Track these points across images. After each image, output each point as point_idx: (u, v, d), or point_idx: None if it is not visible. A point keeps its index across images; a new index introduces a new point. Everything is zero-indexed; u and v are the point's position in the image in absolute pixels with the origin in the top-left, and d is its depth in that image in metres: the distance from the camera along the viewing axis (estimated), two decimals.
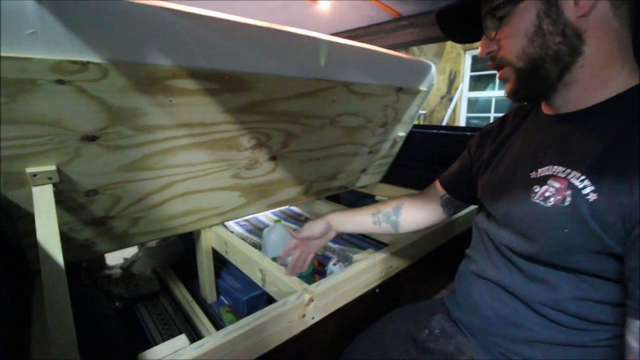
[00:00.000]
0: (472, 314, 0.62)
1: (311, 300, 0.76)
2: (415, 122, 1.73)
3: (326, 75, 1.06)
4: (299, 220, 2.16)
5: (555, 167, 0.50)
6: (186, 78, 0.79)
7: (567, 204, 0.46)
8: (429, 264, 1.14)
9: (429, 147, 1.71)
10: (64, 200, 0.81)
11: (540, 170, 0.52)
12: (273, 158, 1.17)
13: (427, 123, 3.80)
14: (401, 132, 1.63)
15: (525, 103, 0.67)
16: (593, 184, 0.45)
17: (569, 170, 0.48)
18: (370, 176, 1.77)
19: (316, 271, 1.48)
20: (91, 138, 0.75)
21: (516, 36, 0.50)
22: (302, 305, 0.74)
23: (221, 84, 0.86)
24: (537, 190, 0.51)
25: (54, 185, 0.74)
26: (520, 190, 0.54)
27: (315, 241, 0.87)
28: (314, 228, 0.85)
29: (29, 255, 0.84)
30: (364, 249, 0.99)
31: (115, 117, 0.75)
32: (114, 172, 0.83)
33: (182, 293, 1.31)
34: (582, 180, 0.46)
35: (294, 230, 1.09)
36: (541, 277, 0.52)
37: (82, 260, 1.33)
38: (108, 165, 0.81)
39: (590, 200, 0.44)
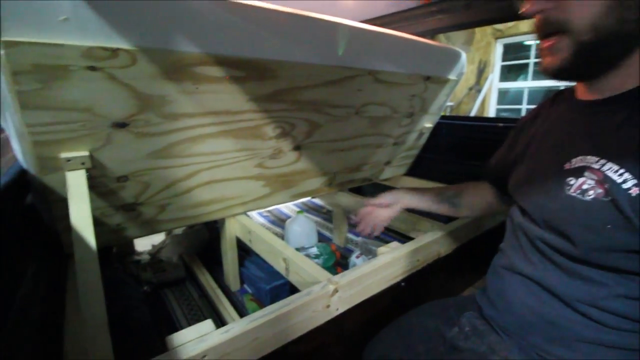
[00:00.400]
0: (506, 312, 0.58)
1: (336, 291, 0.74)
2: (442, 114, 1.66)
3: (352, 63, 1.03)
4: (321, 212, 2.16)
5: (589, 157, 0.46)
6: (212, 65, 0.79)
7: (605, 198, 0.42)
8: (458, 259, 1.09)
9: (456, 139, 1.64)
10: (96, 185, 0.83)
11: (574, 160, 0.48)
12: (297, 148, 1.16)
13: (454, 114, 3.67)
14: (428, 123, 1.58)
15: (562, 88, 0.62)
16: (635, 177, 0.40)
17: (603, 161, 0.44)
18: (395, 168, 1.73)
19: (338, 263, 1.46)
20: (121, 125, 0.76)
21: (589, 2, 0.41)
22: (327, 296, 0.73)
23: (246, 72, 0.85)
24: (572, 182, 0.47)
25: (87, 170, 0.77)
26: (554, 182, 0.50)
27: (383, 211, 0.91)
28: (384, 197, 0.92)
29: (63, 238, 0.87)
30: (386, 242, 0.96)
31: (144, 105, 0.76)
32: (143, 159, 0.85)
33: (207, 280, 1.33)
34: (620, 174, 0.41)
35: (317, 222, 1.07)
36: (581, 274, 0.48)
37: (113, 245, 1.38)
38: (137, 152, 0.83)
39: (632, 195, 0.40)
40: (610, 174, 0.43)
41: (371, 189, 2.04)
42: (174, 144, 0.87)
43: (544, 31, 0.47)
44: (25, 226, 0.78)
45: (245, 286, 1.33)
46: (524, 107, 3.23)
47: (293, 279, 0.92)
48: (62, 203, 0.80)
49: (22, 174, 0.77)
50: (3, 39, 0.56)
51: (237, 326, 0.62)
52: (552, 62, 0.47)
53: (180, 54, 0.73)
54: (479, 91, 3.22)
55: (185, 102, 0.81)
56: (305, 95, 1.01)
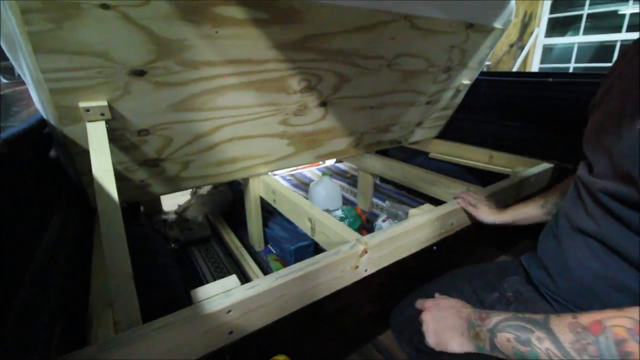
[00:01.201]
0: (561, 276, 0.52)
1: (365, 251, 0.70)
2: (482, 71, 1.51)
3: (387, 7, 0.91)
4: (345, 177, 2.11)
5: None
6: (232, 5, 0.71)
7: None
8: (495, 225, 1.02)
9: (498, 97, 1.49)
10: (117, 138, 0.80)
11: None
12: (323, 104, 1.08)
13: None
14: (466, 80, 1.44)
15: None
16: None
17: None
18: (426, 130, 1.62)
19: (364, 227, 1.43)
20: (139, 73, 0.72)
21: None
22: (356, 256, 0.69)
23: (270, 14, 0.77)
24: (637, 118, 0.41)
25: (107, 122, 0.74)
26: (626, 121, 0.44)
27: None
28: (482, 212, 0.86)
29: (89, 192, 0.87)
30: (414, 207, 0.90)
31: (162, 50, 0.71)
32: (163, 112, 0.81)
33: (231, 239, 1.34)
34: None
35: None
36: None
37: (139, 201, 1.40)
38: (157, 103, 0.79)
39: None
40: None
41: (398, 152, 1.95)
42: (195, 95, 0.82)
43: None
44: (50, 179, 0.77)
45: (270, 246, 1.32)
46: (572, 65, 2.90)
47: (319, 238, 0.88)
48: (85, 155, 0.78)
49: (42, 123, 0.75)
50: None
51: (263, 282, 0.59)
52: None
53: None
54: (522, 48, 2.91)
55: (205, 49, 0.75)
56: (334, 43, 0.92)
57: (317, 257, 0.66)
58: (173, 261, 1.00)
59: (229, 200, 1.55)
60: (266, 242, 1.34)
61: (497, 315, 0.45)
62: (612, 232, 0.46)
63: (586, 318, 0.38)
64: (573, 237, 0.51)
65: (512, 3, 1.27)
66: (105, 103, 0.72)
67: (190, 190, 1.58)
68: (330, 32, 0.88)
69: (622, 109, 0.46)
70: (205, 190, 1.54)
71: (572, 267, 0.50)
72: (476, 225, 0.96)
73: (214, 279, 1.14)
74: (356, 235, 0.75)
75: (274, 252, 1.29)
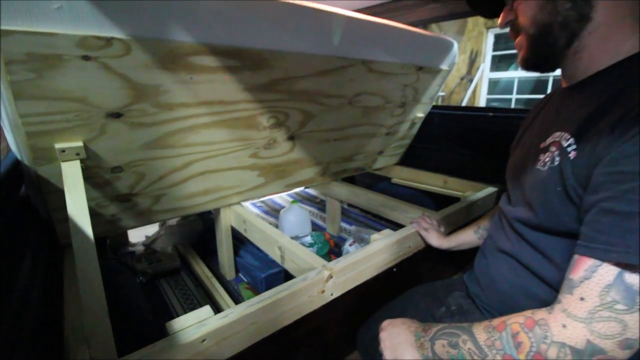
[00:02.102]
0: (488, 288, 0.62)
1: (330, 276, 0.77)
2: (434, 104, 1.68)
3: (346, 53, 1.03)
4: (314, 202, 2.18)
5: (557, 132, 0.51)
6: (207, 55, 0.79)
7: (556, 163, 0.48)
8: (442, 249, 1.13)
9: (448, 128, 1.66)
10: (91, 176, 0.83)
11: (549, 138, 0.52)
12: (291, 138, 1.17)
13: (445, 104, 3.69)
14: (420, 113, 1.60)
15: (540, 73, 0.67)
16: (576, 142, 0.46)
17: (561, 133, 0.49)
18: (388, 158, 1.75)
19: (332, 251, 1.49)
20: (116, 115, 0.76)
21: (530, 3, 0.50)
22: (322, 281, 0.75)
23: (241, 61, 0.85)
24: (541, 157, 0.52)
25: (82, 161, 0.77)
26: (532, 161, 0.55)
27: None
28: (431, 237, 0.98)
29: (58, 230, 0.87)
30: (379, 230, 0.99)
31: (138, 94, 0.76)
32: (137, 150, 0.85)
33: (202, 269, 1.35)
34: (568, 140, 0.47)
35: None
36: (544, 250, 0.53)
37: (108, 235, 1.39)
38: (132, 142, 0.83)
39: (571, 157, 0.46)
40: (562, 141, 0.49)
41: (364, 178, 2.08)
42: (169, 134, 0.87)
43: (514, 35, 0.56)
44: (21, 218, 0.78)
45: (241, 275, 1.35)
46: (514, 97, 3.26)
47: (288, 266, 0.94)
48: (57, 194, 0.80)
49: (17, 164, 0.76)
50: None
51: (235, 311, 0.64)
52: (520, 55, 0.55)
53: (175, 43, 0.73)
54: (471, 81, 3.24)
55: (180, 92, 0.81)
56: (299, 85, 1.02)
57: (286, 284, 0.72)
58: (142, 295, 1.00)
59: (199, 230, 1.56)
60: (237, 271, 1.36)
61: (436, 327, 0.54)
62: (522, 251, 0.56)
63: (496, 321, 0.47)
64: (496, 256, 0.62)
65: (456, 47, 1.46)
66: (80, 144, 0.75)
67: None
68: (295, 76, 0.98)
69: (530, 152, 0.58)
70: (174, 220, 1.55)
71: (496, 281, 0.60)
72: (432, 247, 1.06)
73: (185, 311, 1.14)
74: (322, 261, 0.82)
75: (245, 280, 1.31)
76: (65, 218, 0.83)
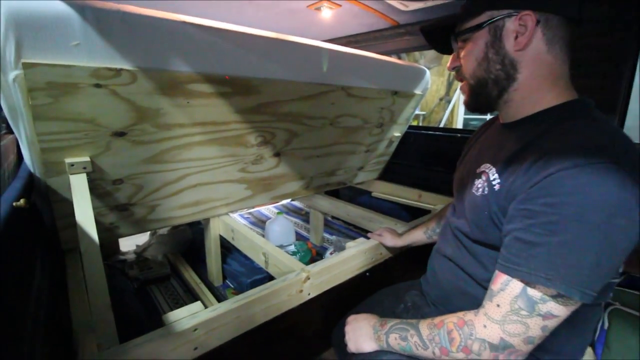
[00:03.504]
0: (435, 287, 0.74)
1: (308, 278, 0.87)
2: (415, 123, 1.83)
3: (327, 80, 1.17)
4: (300, 214, 2.28)
5: (487, 164, 0.62)
6: (203, 82, 0.90)
7: (486, 192, 0.59)
8: (415, 253, 1.24)
9: (423, 147, 1.81)
10: (93, 187, 0.92)
11: (481, 167, 0.63)
12: (277, 154, 1.28)
13: (426, 124, 3.89)
14: (397, 133, 1.74)
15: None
16: (499, 177, 0.57)
17: (490, 166, 0.60)
18: (367, 173, 1.88)
19: (314, 260, 1.59)
20: (120, 134, 0.86)
21: (470, 59, 0.61)
22: (300, 282, 0.86)
23: (233, 88, 0.97)
24: (475, 182, 0.63)
25: (87, 174, 0.86)
26: (469, 183, 0.67)
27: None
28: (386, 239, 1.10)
29: (61, 236, 0.95)
30: (356, 239, 1.10)
31: (141, 116, 0.87)
32: (137, 164, 0.95)
33: (191, 276, 1.43)
34: (494, 175, 0.58)
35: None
36: (477, 255, 0.64)
37: (103, 243, 1.45)
38: (133, 157, 0.93)
39: (496, 189, 0.57)
40: (490, 174, 0.59)
41: (347, 191, 2.20)
42: (166, 150, 0.98)
43: (459, 79, 0.67)
44: (32, 224, 0.86)
45: (228, 281, 1.43)
46: (489, 116, 3.48)
47: (272, 270, 1.04)
48: (63, 203, 0.89)
49: (30, 177, 0.85)
50: (23, 60, 0.66)
51: (222, 306, 0.73)
52: (464, 99, 0.66)
53: (175, 73, 0.84)
54: (449, 102, 3.46)
55: (177, 114, 0.92)
56: (285, 108, 1.14)
57: (268, 284, 0.82)
58: (135, 298, 1.08)
59: (188, 239, 1.64)
60: (224, 278, 1.44)
61: (390, 322, 0.65)
62: (461, 256, 0.68)
63: (437, 319, 0.59)
64: (441, 260, 0.73)
65: (428, 74, 1.62)
66: (88, 159, 0.85)
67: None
68: (281, 100, 1.11)
69: (469, 174, 0.69)
70: (165, 230, 1.62)
71: (440, 281, 0.72)
72: (405, 253, 1.17)
73: None
74: (301, 265, 0.92)
75: (232, 286, 1.40)
76: (69, 225, 0.93)
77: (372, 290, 1.00)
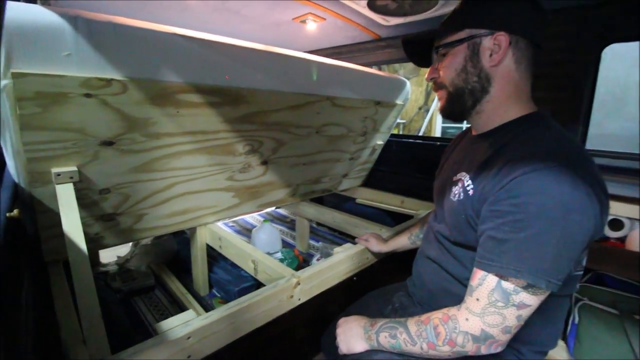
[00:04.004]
0: (421, 288, 0.78)
1: (298, 283, 0.89)
2: (395, 131, 1.90)
3: (313, 91, 1.20)
4: (285, 222, 2.29)
5: (463, 172, 0.68)
6: (192, 93, 0.92)
7: (462, 197, 0.65)
8: (400, 256, 1.29)
9: (404, 154, 1.88)
10: (79, 197, 0.90)
11: (457, 175, 0.69)
12: (264, 163, 1.30)
13: (406, 132, 4.02)
14: (379, 141, 1.80)
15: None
16: (473, 183, 0.63)
17: (465, 174, 0.66)
18: (352, 180, 1.92)
19: (300, 266, 1.61)
20: (109, 143, 0.86)
21: (450, 69, 0.67)
22: (290, 288, 0.87)
23: (222, 98, 0.99)
24: (453, 189, 0.69)
25: (74, 183, 0.85)
26: (447, 190, 0.72)
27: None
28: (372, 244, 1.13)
29: (44, 247, 0.93)
30: (342, 244, 1.13)
31: (130, 125, 0.87)
32: (125, 173, 0.94)
33: (176, 286, 1.41)
34: (468, 181, 0.64)
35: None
36: (457, 256, 0.69)
37: (89, 253, 1.41)
38: (121, 166, 0.92)
39: (470, 194, 0.63)
40: (465, 181, 0.65)
41: (331, 198, 2.23)
42: (155, 159, 0.98)
43: (436, 88, 0.73)
44: (16, 236, 0.84)
45: (214, 290, 1.42)
46: (465, 125, 3.64)
47: (261, 277, 1.05)
48: (48, 214, 0.87)
49: (15, 187, 0.83)
50: (12, 70, 0.66)
51: (215, 313, 0.74)
52: (441, 106, 0.72)
53: (165, 83, 0.86)
54: (427, 111, 3.59)
55: (167, 124, 0.93)
56: (272, 118, 1.16)
57: (259, 290, 0.83)
58: (121, 309, 1.06)
59: (172, 249, 1.62)
60: (211, 287, 1.43)
61: (380, 322, 0.69)
62: (443, 258, 0.73)
63: (424, 316, 0.63)
64: (425, 262, 0.78)
65: (408, 85, 1.69)
66: (75, 168, 0.84)
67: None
68: (269, 109, 1.13)
69: (447, 182, 0.74)
70: (148, 240, 1.60)
71: (425, 281, 0.76)
72: (390, 257, 1.21)
73: None
74: (291, 271, 0.94)
75: (219, 295, 1.39)
76: (53, 236, 0.91)
77: (360, 294, 1.02)
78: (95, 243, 1.04)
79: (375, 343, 0.68)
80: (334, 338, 0.91)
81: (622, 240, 1.06)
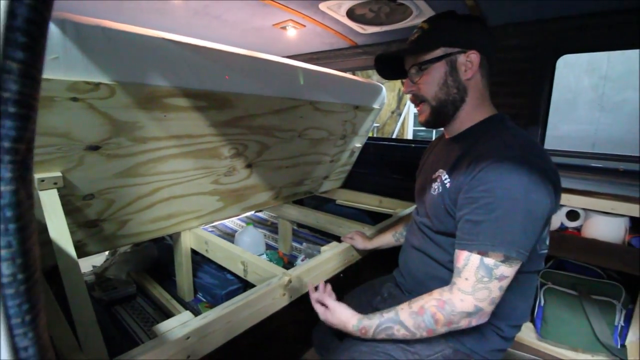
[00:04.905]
0: (407, 277, 0.84)
1: (290, 281, 0.92)
2: (370, 135, 1.98)
3: (296, 95, 1.24)
4: (266, 225, 2.30)
5: (440, 169, 0.76)
6: (180, 97, 0.92)
7: (440, 190, 0.74)
8: (383, 253, 1.35)
9: (381, 156, 1.96)
10: (63, 203, 0.88)
11: (436, 173, 0.78)
12: (249, 166, 1.32)
13: (380, 134, 4.15)
14: (358, 144, 1.86)
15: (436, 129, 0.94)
16: (449, 177, 0.72)
17: (442, 171, 0.75)
18: (332, 182, 1.98)
19: (285, 268, 1.63)
20: (94, 148, 0.85)
21: (432, 84, 0.74)
22: (283, 286, 0.90)
23: (208, 102, 1.00)
24: (433, 185, 0.77)
25: (58, 189, 0.83)
26: (427, 186, 0.81)
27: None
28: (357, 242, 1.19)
29: None
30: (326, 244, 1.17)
31: (117, 130, 0.86)
32: (110, 178, 0.93)
33: (160, 293, 1.38)
34: (445, 175, 0.73)
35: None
36: (440, 243, 0.77)
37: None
38: (106, 172, 0.91)
39: (447, 187, 0.72)
40: (443, 176, 0.74)
41: (312, 201, 2.27)
42: (140, 164, 0.97)
43: (415, 101, 0.80)
44: None
45: (199, 295, 1.41)
46: (434, 131, 3.82)
47: (251, 278, 1.06)
48: None
49: None
50: None
51: (212, 313, 0.75)
52: (423, 118, 0.79)
53: (153, 87, 0.86)
54: (400, 115, 3.73)
55: (153, 128, 0.93)
56: (257, 121, 1.19)
57: (253, 289, 0.85)
58: (107, 317, 1.03)
59: (153, 256, 1.58)
60: (195, 292, 1.42)
61: (371, 327, 0.72)
62: (427, 246, 0.80)
63: (415, 306, 0.68)
64: (411, 251, 0.84)
65: (384, 90, 1.77)
66: (59, 174, 0.82)
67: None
68: (254, 114, 1.15)
69: (427, 180, 0.82)
70: (128, 247, 1.55)
71: (412, 269, 0.83)
72: (374, 253, 1.27)
73: (147, 334, 1.18)
74: (282, 269, 0.97)
75: (205, 300, 1.38)
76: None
77: (347, 289, 1.07)
78: (77, 251, 1.00)
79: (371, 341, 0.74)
80: (323, 332, 0.95)
81: (579, 229, 1.19)
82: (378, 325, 0.71)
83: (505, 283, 0.63)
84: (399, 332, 0.69)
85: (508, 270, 0.62)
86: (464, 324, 0.65)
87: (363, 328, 0.73)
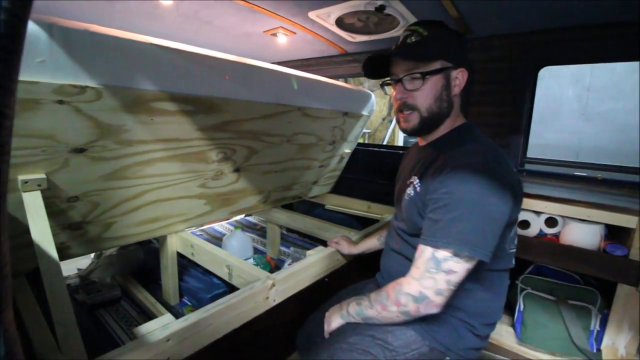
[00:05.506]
0: (388, 278, 0.87)
1: (273, 285, 0.93)
2: (360, 140, 2.00)
3: (285, 101, 1.26)
4: (255, 229, 2.30)
5: (414, 176, 0.80)
6: (167, 101, 0.94)
7: (412, 195, 0.78)
8: (368, 257, 1.37)
9: (370, 162, 1.98)
10: (47, 205, 0.87)
11: (410, 179, 0.81)
12: (237, 170, 1.33)
13: (371, 141, 4.19)
14: (347, 149, 1.89)
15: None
16: (420, 182, 0.76)
17: (415, 177, 0.79)
18: (321, 187, 1.99)
19: (272, 272, 1.63)
20: (80, 150, 0.86)
21: (429, 97, 0.76)
22: (266, 289, 0.91)
23: (196, 107, 1.01)
24: (407, 190, 0.80)
25: (41, 191, 0.83)
26: (403, 192, 0.84)
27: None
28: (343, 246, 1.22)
29: None
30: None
31: (103, 133, 0.87)
32: (95, 181, 0.93)
33: (145, 297, 1.38)
34: (417, 180, 0.77)
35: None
36: (415, 245, 0.78)
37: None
38: (91, 174, 0.91)
39: (418, 191, 0.76)
40: (414, 181, 0.78)
41: (301, 205, 2.28)
42: (126, 167, 0.98)
43: (402, 108, 0.80)
44: None
45: (185, 299, 1.41)
46: None
47: (236, 281, 1.07)
48: (12, 223, 0.84)
49: None
50: None
51: (194, 316, 0.76)
52: (409, 125, 0.80)
53: (140, 91, 0.87)
54: (390, 121, 3.78)
55: (140, 131, 0.94)
56: (245, 126, 1.20)
57: (236, 292, 0.86)
58: (90, 320, 1.03)
59: (139, 259, 1.57)
60: (181, 296, 1.41)
61: (353, 299, 0.80)
62: (404, 249, 0.83)
63: (382, 288, 0.75)
64: (391, 254, 0.87)
65: (373, 97, 1.80)
66: (43, 175, 0.82)
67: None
68: (242, 118, 1.17)
69: (403, 186, 0.85)
70: (114, 250, 1.54)
71: (391, 271, 0.85)
72: (359, 257, 1.28)
73: (130, 338, 1.17)
74: (266, 273, 0.98)
75: (190, 303, 1.38)
76: (16, 246, 0.88)
77: (331, 294, 1.08)
78: (61, 253, 1.00)
79: (345, 312, 0.81)
80: (307, 335, 0.96)
81: (557, 235, 1.22)
82: (355, 298, 0.82)
83: (453, 278, 0.66)
84: (363, 302, 0.79)
85: (456, 266, 0.66)
86: (411, 308, 0.70)
87: (345, 305, 0.83)
